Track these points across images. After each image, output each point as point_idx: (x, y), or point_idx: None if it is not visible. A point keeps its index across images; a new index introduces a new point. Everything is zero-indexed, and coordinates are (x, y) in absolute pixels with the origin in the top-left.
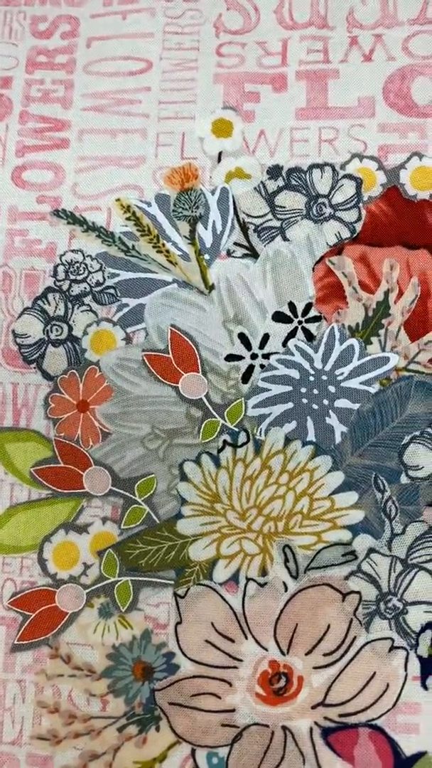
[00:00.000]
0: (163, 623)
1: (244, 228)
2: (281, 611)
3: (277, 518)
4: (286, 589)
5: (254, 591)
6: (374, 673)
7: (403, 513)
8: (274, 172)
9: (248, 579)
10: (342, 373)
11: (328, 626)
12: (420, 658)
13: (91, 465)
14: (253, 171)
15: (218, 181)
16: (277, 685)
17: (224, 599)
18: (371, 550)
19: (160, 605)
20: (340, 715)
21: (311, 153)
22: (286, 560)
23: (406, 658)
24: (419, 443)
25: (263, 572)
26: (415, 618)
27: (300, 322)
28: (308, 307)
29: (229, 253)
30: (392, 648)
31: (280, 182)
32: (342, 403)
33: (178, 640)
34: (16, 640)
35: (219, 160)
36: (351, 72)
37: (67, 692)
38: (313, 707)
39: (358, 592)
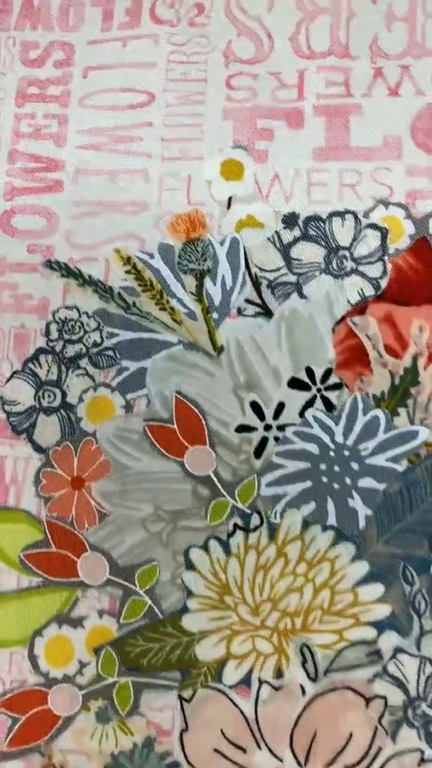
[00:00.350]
0: (167, 730)
1: (256, 283)
2: (298, 718)
3: (294, 613)
4: (303, 693)
5: (268, 695)
6: None
7: None
8: (290, 220)
9: (261, 681)
10: (366, 449)
11: (351, 735)
12: None
13: (87, 550)
14: (267, 219)
15: (228, 230)
16: None
17: (235, 704)
18: (398, 650)
19: (164, 710)
20: None
21: (331, 199)
22: (304, 661)
23: None
24: None
25: (278, 674)
26: None
27: (319, 390)
28: (328, 373)
29: (239, 312)
30: (422, 761)
31: (297, 232)
32: (366, 482)
33: (183, 749)
34: (4, 747)
35: (228, 206)
36: (375, 108)
37: None
38: None
39: (384, 697)
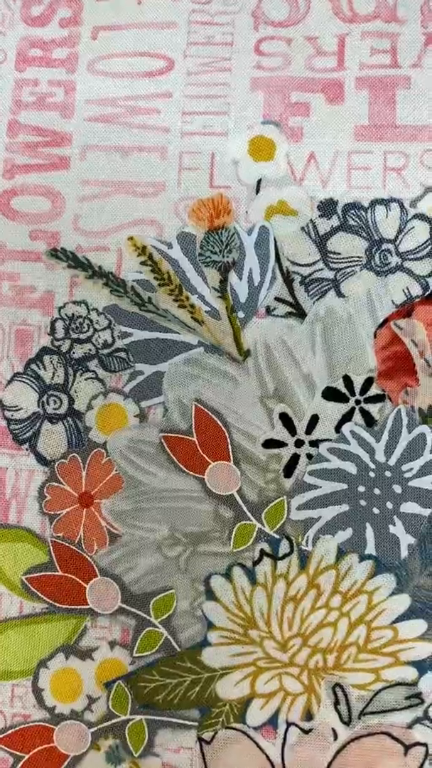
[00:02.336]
0: None
1: (288, 279)
2: (329, 765)
3: (327, 650)
4: (335, 738)
5: (297, 738)
6: None
7: None
8: (327, 208)
9: (289, 724)
10: (410, 469)
11: None
12: None
13: (96, 575)
14: (301, 206)
15: (256, 217)
16: None
17: (260, 747)
18: None
19: (181, 751)
20: None
21: (374, 185)
22: (337, 702)
23: None
24: None
25: (308, 716)
26: None
27: (358, 402)
28: (368, 382)
29: (268, 311)
30: None
31: (335, 221)
32: (410, 507)
33: None
34: None
35: (257, 190)
36: (426, 80)
37: None
38: None
39: (425, 744)
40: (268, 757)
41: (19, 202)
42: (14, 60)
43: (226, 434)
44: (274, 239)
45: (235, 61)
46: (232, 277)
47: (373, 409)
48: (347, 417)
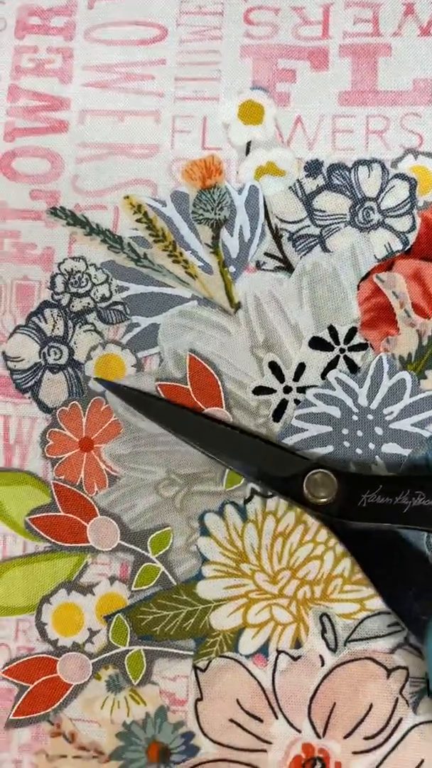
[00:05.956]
0: (181, 699)
1: (276, 235)
2: (317, 688)
3: (314, 582)
4: (323, 664)
5: (286, 665)
6: (422, 760)
7: None
8: (313, 168)
9: (279, 651)
10: (391, 413)
11: (371, 706)
12: None
13: (97, 514)
14: (288, 166)
15: (246, 177)
16: None
17: (251, 674)
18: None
19: (178, 679)
20: None
21: (357, 146)
22: (324, 630)
23: None
24: None
25: (297, 644)
26: None
27: (342, 350)
28: (352, 332)
29: (258, 266)
30: None
31: (320, 181)
32: (390, 447)
33: (198, 719)
34: (11, 715)
35: (247, 151)
36: (406, 48)
37: None
38: None
39: (406, 668)
40: (259, 682)
41: (20, 164)
42: (14, 27)
43: (219, 382)
44: (263, 198)
45: (225, 30)
46: (224, 233)
47: (357, 357)
48: (332, 365)
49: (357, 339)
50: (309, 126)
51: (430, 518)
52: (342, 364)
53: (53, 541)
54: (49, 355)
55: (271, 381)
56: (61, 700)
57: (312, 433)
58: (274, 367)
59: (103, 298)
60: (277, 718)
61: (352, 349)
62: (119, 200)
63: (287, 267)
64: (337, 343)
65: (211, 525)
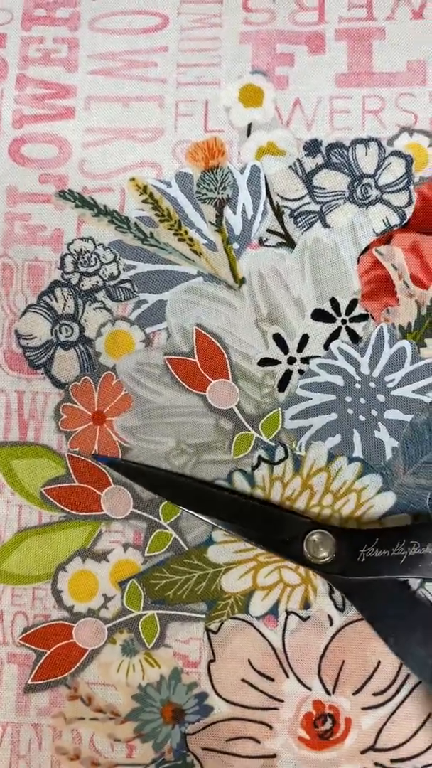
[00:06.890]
0: (194, 661)
1: (278, 212)
2: (326, 647)
3: None
4: (331, 623)
5: (296, 625)
6: (430, 714)
7: None
8: (312, 147)
9: (289, 612)
10: (392, 380)
11: (378, 663)
12: None
13: (110, 484)
14: (288, 146)
15: (248, 157)
16: (323, 727)
17: (262, 635)
18: (426, 579)
19: (191, 641)
20: (393, 761)
21: (354, 126)
22: (331, 591)
23: None
24: None
25: (305, 605)
26: None
27: (344, 322)
28: (353, 304)
29: (261, 242)
30: None
31: (319, 159)
32: (392, 414)
33: (211, 680)
34: (30, 680)
35: (248, 133)
36: (399, 31)
37: (88, 737)
38: (363, 752)
39: None
40: (270, 643)
41: (29, 149)
42: (20, 19)
43: (225, 355)
44: (265, 177)
45: (225, 18)
46: (227, 212)
47: (358, 327)
48: (334, 335)
49: (358, 310)
50: (307, 107)
51: (427, 565)
52: (344, 335)
53: (68, 510)
54: (60, 332)
55: (275, 352)
56: (77, 665)
57: (316, 401)
58: (279, 339)
59: (112, 277)
60: (287, 676)
61: (354, 320)
62: (125, 182)
63: (289, 243)
64: (339, 314)
65: None
